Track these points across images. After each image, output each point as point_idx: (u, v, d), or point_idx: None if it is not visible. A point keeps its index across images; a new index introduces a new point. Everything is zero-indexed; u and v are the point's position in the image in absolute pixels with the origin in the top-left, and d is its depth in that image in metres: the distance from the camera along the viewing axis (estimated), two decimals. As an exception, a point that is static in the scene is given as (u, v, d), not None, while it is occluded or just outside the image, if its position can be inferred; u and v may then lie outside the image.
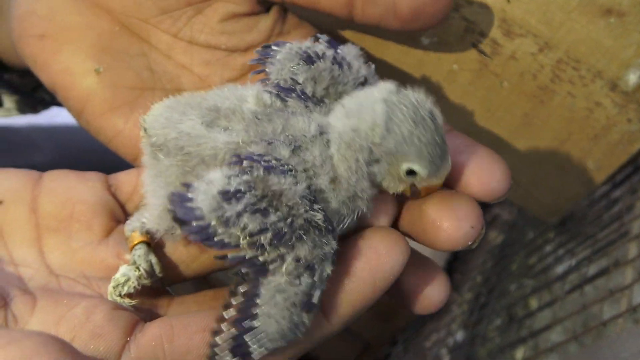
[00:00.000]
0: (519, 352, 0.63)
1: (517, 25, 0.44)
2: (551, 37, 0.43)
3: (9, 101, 0.54)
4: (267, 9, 0.39)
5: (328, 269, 0.27)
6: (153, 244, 0.32)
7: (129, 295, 0.30)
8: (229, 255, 0.26)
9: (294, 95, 0.31)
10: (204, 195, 0.25)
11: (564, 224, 0.70)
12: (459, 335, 0.67)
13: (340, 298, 0.28)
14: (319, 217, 0.27)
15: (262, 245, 0.25)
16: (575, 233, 0.65)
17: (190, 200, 0.25)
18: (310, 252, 0.26)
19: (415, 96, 0.29)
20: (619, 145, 0.45)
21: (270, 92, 0.31)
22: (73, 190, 0.33)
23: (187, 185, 0.26)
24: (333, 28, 0.46)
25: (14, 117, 0.70)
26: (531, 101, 0.46)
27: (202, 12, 0.37)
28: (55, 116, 0.86)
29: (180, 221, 0.25)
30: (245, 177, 0.26)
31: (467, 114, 0.49)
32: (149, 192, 0.31)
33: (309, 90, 0.32)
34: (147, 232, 0.32)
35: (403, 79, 0.47)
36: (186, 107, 0.30)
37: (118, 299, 0.30)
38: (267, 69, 0.34)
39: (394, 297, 0.33)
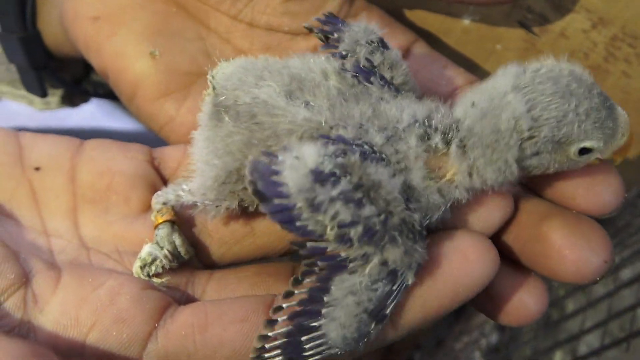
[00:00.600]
0: (557, 357, 0.60)
1: (569, 0, 0.41)
2: (606, 12, 0.40)
3: (51, 94, 0.52)
4: None
5: (410, 279, 0.24)
6: (179, 222, 0.29)
7: (158, 275, 0.28)
8: (308, 244, 0.23)
9: (372, 79, 0.28)
10: (294, 172, 0.22)
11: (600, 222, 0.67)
12: (494, 338, 0.64)
13: (413, 303, 0.25)
14: (415, 218, 0.24)
15: (350, 240, 0.22)
16: (612, 232, 0.62)
17: (276, 173, 0.22)
18: (401, 258, 0.23)
19: (547, 66, 0.26)
20: (679, 129, 0.42)
21: (347, 71, 0.27)
22: (113, 161, 0.31)
23: (270, 155, 0.23)
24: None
25: (24, 121, 0.68)
26: (582, 83, 0.43)
27: None
28: (66, 118, 0.84)
29: (261, 196, 0.22)
30: (340, 159, 0.23)
31: (511, 98, 0.45)
32: (200, 156, 0.28)
33: (387, 76, 0.29)
34: (180, 207, 0.29)
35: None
36: (264, 71, 0.27)
37: (147, 279, 0.28)
38: (335, 35, 0.30)
39: (478, 305, 0.29)
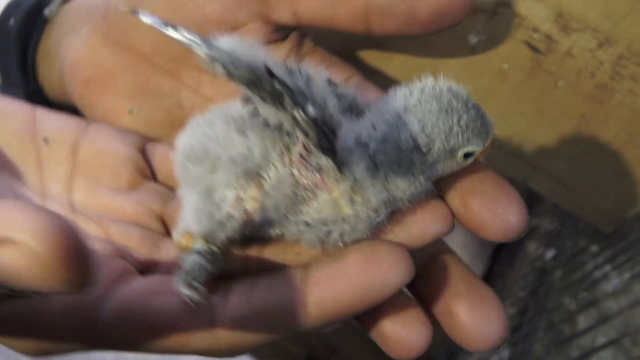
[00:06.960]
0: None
1: (575, 20, 0.41)
2: (612, 32, 0.40)
3: None
4: (285, 36, 0.38)
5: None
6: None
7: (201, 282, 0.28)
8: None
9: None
10: None
11: (610, 236, 0.67)
12: (505, 353, 0.63)
13: (324, 294, 0.26)
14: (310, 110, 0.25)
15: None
16: (623, 246, 0.62)
17: None
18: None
19: (428, 86, 0.29)
20: (686, 146, 0.42)
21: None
22: (110, 143, 0.36)
23: None
24: (348, 48, 0.44)
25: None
26: (588, 101, 0.43)
27: None
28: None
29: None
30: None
31: (518, 116, 0.46)
32: (183, 200, 0.31)
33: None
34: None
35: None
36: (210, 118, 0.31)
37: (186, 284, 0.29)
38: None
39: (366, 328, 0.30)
